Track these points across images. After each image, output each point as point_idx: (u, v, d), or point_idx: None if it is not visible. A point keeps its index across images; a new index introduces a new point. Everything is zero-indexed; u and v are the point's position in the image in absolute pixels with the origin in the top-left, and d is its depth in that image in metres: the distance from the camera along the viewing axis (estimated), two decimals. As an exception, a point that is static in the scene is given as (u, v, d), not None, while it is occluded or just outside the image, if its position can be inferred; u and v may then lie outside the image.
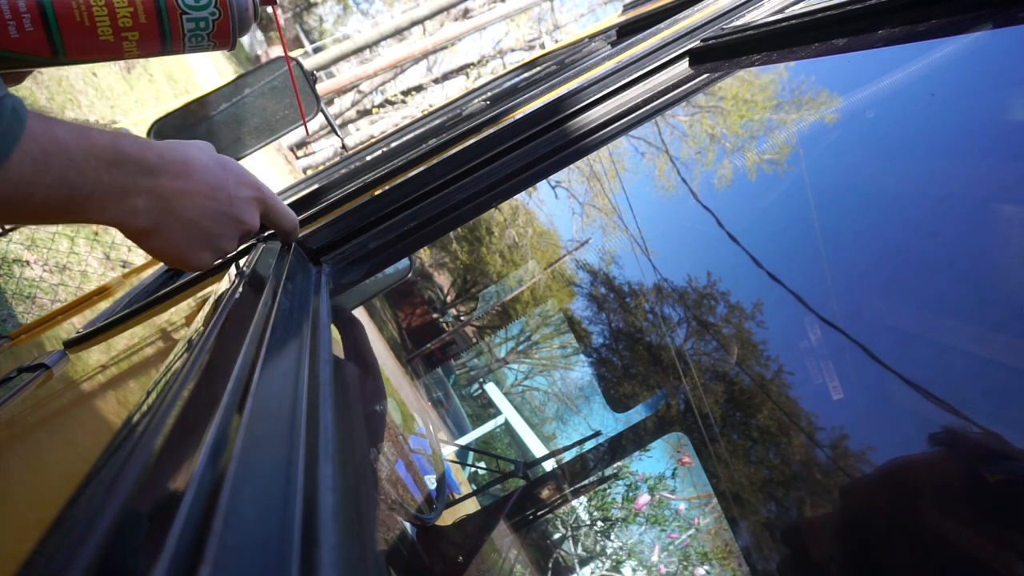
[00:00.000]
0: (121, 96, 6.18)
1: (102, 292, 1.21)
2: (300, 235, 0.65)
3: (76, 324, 1.03)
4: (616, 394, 1.27)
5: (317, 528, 0.18)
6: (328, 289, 0.54)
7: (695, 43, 0.71)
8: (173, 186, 0.45)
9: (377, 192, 0.67)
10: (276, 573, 0.16)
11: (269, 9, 0.55)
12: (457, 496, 1.21)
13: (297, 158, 10.59)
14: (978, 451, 0.49)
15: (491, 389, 2.12)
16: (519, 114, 0.70)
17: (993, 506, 0.45)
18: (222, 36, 0.48)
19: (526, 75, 1.39)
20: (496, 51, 11.42)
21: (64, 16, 0.41)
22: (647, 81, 0.70)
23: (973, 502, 0.47)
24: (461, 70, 11.25)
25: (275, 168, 9.81)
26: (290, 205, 0.89)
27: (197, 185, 0.46)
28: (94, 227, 3.79)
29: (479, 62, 11.15)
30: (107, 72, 6.01)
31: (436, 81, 11.25)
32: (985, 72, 0.53)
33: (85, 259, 3.55)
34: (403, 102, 11.15)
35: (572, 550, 1.23)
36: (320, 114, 1.20)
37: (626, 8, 1.46)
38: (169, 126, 1.13)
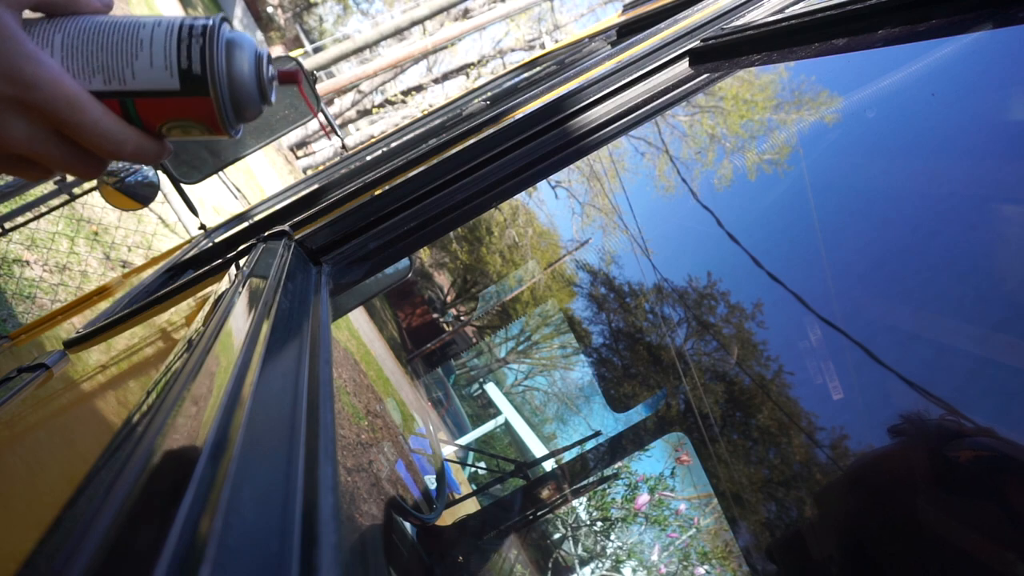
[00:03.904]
0: (121, 96, 6.17)
1: (102, 292, 1.21)
2: (295, 232, 0.64)
3: (76, 324, 1.03)
4: (616, 394, 1.27)
5: (317, 528, 0.18)
6: (328, 289, 0.54)
7: (695, 43, 0.71)
8: None
9: (377, 192, 0.67)
10: (276, 573, 0.16)
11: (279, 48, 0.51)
12: (457, 496, 1.21)
13: (297, 158, 10.59)
14: (940, 434, 0.50)
15: (491, 389, 2.12)
16: (519, 114, 0.70)
17: (966, 483, 0.46)
18: (217, 132, 0.42)
19: (526, 75, 1.39)
20: (496, 51, 11.42)
21: None
22: (647, 81, 0.70)
23: (946, 483, 0.48)
24: (461, 70, 11.24)
25: (275, 168, 9.81)
26: (290, 205, 0.89)
27: None
28: (94, 227, 3.79)
29: (479, 62, 11.14)
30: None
31: (436, 81, 11.25)
32: (985, 72, 0.53)
33: (85, 259, 3.55)
34: (403, 102, 11.15)
35: (572, 550, 1.23)
36: (320, 114, 1.20)
37: (626, 8, 1.46)
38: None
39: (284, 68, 0.45)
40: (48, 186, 2.84)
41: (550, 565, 1.22)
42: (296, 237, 0.63)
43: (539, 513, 1.23)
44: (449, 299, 2.27)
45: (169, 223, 4.38)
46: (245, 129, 1.19)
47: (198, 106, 0.38)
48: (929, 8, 0.49)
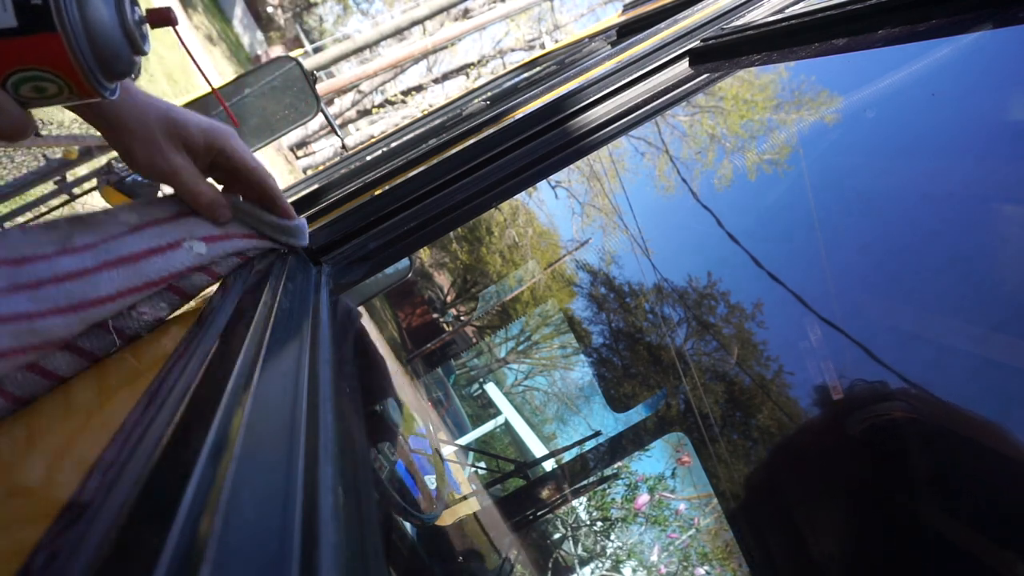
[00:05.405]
0: (121, 96, 6.16)
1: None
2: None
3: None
4: (616, 394, 1.27)
5: (317, 528, 0.18)
6: (328, 289, 0.54)
7: (695, 43, 0.71)
8: None
9: (377, 192, 0.67)
10: (276, 573, 0.16)
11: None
12: (457, 496, 1.21)
13: (297, 158, 10.59)
14: (847, 406, 0.52)
15: (491, 389, 2.12)
16: (519, 114, 0.70)
17: (863, 452, 0.48)
18: (79, 86, 0.34)
19: (526, 75, 1.39)
20: (496, 51, 11.42)
21: None
22: (647, 81, 0.70)
23: (844, 454, 0.50)
24: (461, 70, 11.24)
25: (275, 168, 9.81)
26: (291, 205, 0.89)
27: None
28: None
29: (479, 62, 11.14)
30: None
31: (436, 81, 11.25)
32: (985, 72, 0.53)
33: (85, 259, 3.54)
34: (403, 102, 11.15)
35: (572, 550, 1.23)
36: (320, 114, 1.20)
37: (626, 8, 1.46)
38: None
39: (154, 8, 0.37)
40: (48, 186, 2.84)
41: (550, 565, 1.22)
42: (296, 237, 0.63)
43: (539, 513, 1.23)
44: (449, 299, 2.27)
45: (169, 223, 4.38)
46: (245, 129, 1.19)
47: (45, 46, 0.32)
48: (929, 8, 0.49)
